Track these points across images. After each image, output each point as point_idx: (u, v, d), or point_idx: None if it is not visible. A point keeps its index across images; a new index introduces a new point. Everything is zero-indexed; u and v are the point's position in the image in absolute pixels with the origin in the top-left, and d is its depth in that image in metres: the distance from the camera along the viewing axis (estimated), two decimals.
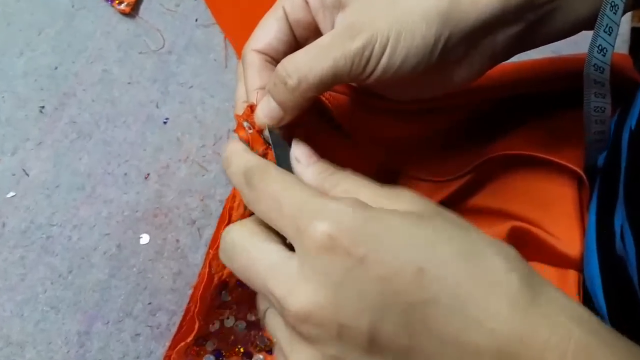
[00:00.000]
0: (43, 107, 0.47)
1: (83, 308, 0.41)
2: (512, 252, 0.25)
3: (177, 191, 0.45)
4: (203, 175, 0.46)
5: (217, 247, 0.29)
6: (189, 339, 0.33)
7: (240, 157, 0.29)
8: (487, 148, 0.41)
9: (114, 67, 0.49)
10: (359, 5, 0.30)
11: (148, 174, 0.46)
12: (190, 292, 0.41)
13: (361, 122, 0.40)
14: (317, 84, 0.29)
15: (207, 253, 0.34)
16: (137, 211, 0.44)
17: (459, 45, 0.30)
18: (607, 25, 0.32)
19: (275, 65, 0.31)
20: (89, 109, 0.47)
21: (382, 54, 0.29)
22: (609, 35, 0.32)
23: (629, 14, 0.51)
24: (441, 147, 0.42)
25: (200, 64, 0.50)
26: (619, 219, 0.34)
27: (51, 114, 0.47)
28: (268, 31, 0.33)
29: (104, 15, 0.50)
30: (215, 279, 0.33)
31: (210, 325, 0.36)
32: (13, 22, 0.49)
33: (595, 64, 0.33)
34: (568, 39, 0.34)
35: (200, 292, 0.33)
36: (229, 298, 0.35)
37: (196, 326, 0.33)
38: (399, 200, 0.26)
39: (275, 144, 0.30)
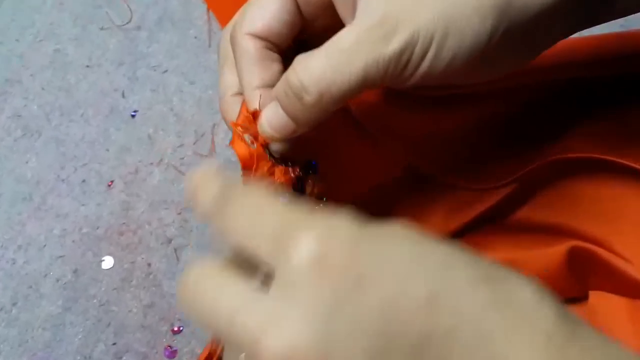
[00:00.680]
0: None
1: (31, 349, 0.40)
2: (536, 279, 0.24)
3: (149, 202, 0.44)
4: (181, 183, 0.45)
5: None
6: None
7: (211, 180, 0.27)
8: (539, 149, 0.39)
9: (68, 47, 0.48)
10: None
11: (112, 181, 0.45)
12: (165, 329, 0.39)
13: (384, 116, 0.38)
14: (342, 98, 0.28)
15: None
16: (98, 228, 0.43)
17: (516, 39, 0.29)
18: None
19: (277, 53, 0.30)
20: (37, 99, 0.46)
21: (424, 57, 0.27)
22: None
23: None
24: (480, 146, 0.40)
25: (176, 42, 0.49)
26: None
27: None
28: (266, 9, 0.31)
29: None
30: None
31: None
32: None
33: None
34: None
35: None
36: None
37: None
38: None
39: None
